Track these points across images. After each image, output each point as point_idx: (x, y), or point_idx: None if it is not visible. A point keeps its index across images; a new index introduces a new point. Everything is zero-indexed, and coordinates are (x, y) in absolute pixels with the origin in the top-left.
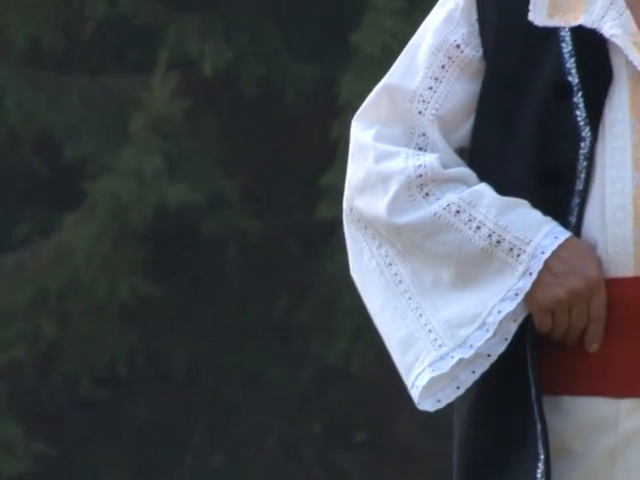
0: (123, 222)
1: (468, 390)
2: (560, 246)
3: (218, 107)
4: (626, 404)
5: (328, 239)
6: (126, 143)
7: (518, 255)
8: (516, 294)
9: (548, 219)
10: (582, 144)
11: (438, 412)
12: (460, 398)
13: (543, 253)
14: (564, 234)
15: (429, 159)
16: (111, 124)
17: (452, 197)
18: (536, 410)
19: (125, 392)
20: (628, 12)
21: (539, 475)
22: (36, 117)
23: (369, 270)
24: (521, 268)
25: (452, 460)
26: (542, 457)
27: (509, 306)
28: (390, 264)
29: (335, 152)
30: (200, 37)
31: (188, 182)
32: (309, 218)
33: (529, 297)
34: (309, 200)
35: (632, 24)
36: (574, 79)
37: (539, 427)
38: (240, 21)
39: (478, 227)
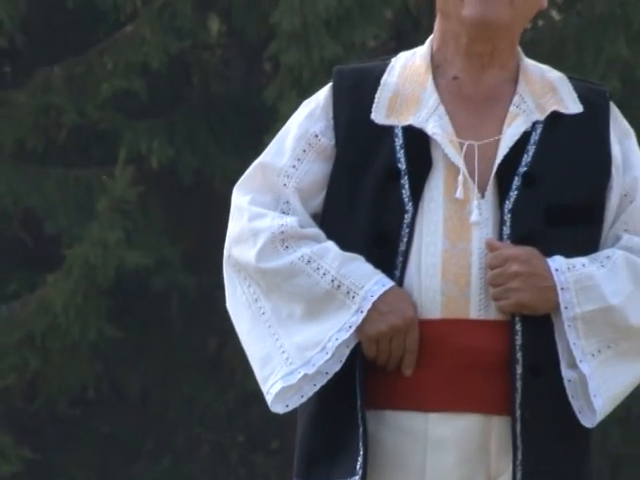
0: (92, 280)
1: (310, 398)
2: (385, 292)
3: (164, 192)
4: (433, 417)
5: None
6: (93, 219)
7: (353, 297)
8: (350, 326)
9: (378, 271)
10: (406, 216)
11: None
12: (304, 404)
13: (372, 296)
14: (389, 283)
15: (290, 221)
16: (82, 205)
17: (305, 250)
18: (360, 416)
19: (93, 411)
20: (447, 117)
21: (358, 467)
22: (23, 199)
23: (240, 303)
24: (355, 307)
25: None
26: (361, 453)
27: (344, 335)
28: (256, 300)
29: None
30: (149, 138)
31: (141, 250)
32: None
33: (360, 329)
34: None
35: (449, 126)
36: (402, 165)
37: (361, 430)
38: (179, 126)
39: (324, 274)
